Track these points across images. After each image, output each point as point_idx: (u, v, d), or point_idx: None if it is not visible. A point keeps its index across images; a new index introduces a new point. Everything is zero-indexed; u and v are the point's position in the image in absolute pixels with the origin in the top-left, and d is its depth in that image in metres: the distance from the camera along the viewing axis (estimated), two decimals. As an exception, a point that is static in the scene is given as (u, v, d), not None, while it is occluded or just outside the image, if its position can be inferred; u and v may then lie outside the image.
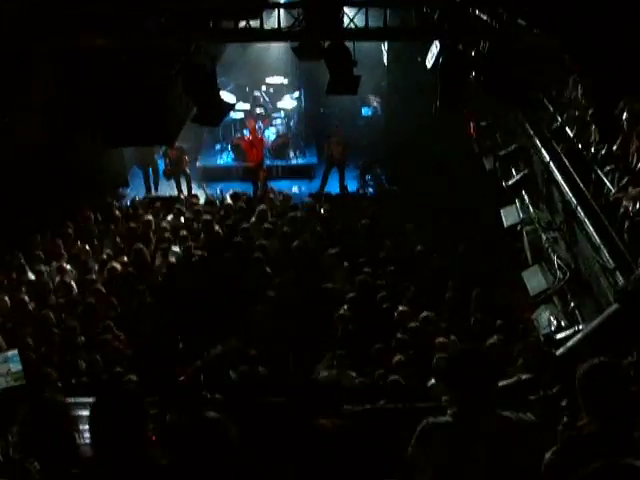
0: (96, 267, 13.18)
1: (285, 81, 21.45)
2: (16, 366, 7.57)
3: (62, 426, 4.09)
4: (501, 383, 6.33)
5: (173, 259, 13.02)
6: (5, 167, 12.93)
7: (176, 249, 13.44)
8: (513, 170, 12.69)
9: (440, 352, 9.09)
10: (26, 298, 11.56)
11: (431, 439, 4.10)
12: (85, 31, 8.76)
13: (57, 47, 9.23)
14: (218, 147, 20.83)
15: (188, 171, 18.68)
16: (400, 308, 10.79)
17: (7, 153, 11.62)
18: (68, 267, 12.81)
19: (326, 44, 10.07)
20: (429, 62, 10.68)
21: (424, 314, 10.50)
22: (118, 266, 12.66)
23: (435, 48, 10.39)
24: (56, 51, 9.49)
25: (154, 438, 3.81)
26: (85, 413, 3.78)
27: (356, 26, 10.13)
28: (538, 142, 11.21)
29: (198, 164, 20.19)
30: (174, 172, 18.52)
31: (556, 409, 5.39)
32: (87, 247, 13.87)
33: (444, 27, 9.17)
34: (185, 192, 18.32)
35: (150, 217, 14.94)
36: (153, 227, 14.54)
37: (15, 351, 7.76)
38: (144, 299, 11.77)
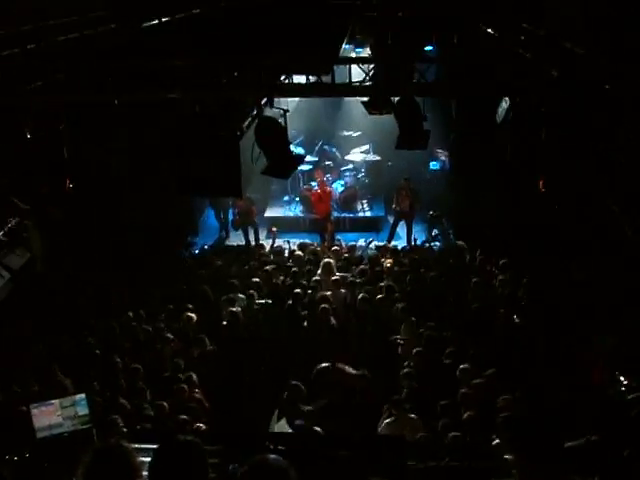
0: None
1: (354, 134, 21.64)
2: (83, 410, 7.73)
3: (125, 472, 4.12)
4: (569, 444, 6.17)
5: (238, 308, 13.10)
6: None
7: (242, 297, 13.56)
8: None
9: (505, 410, 8.91)
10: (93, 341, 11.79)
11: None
12: (161, 84, 9.02)
13: (134, 100, 9.52)
14: (286, 198, 21.07)
15: (257, 222, 18.92)
16: (465, 364, 10.64)
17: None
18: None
19: (396, 98, 10.14)
20: (499, 117, 10.63)
21: (490, 371, 10.33)
22: (193, 315, 12.86)
23: (505, 103, 10.36)
24: (133, 103, 9.79)
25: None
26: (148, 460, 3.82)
27: (426, 81, 10.21)
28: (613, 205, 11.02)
29: (266, 215, 20.44)
30: (242, 222, 18.79)
31: (628, 474, 5.21)
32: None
33: (514, 84, 9.13)
34: (253, 242, 18.52)
35: (220, 263, 15.19)
36: (221, 275, 14.72)
37: (82, 395, 7.92)
38: (204, 347, 11.88)
